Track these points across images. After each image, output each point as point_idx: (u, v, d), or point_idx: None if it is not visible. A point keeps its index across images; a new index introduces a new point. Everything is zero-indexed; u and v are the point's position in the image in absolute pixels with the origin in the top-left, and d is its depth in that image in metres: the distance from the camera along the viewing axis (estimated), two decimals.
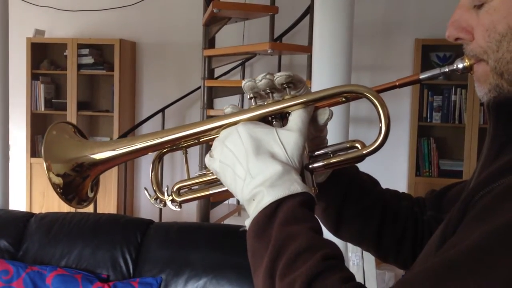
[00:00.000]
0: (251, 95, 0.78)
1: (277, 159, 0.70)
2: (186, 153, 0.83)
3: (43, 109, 4.98)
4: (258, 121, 0.75)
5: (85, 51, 4.88)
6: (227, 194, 0.78)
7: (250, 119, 0.75)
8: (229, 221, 4.11)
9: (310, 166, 0.76)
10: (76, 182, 0.82)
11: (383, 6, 4.56)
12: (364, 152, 0.75)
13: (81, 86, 4.97)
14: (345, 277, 0.60)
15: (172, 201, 0.82)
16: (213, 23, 3.73)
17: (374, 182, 0.92)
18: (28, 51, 4.89)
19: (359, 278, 2.78)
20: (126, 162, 0.92)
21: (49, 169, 0.80)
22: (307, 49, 3.47)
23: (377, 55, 4.57)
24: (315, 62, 2.84)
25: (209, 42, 3.80)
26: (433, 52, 4.33)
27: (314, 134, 0.81)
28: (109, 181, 4.81)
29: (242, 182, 0.70)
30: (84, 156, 0.82)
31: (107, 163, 0.83)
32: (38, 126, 4.98)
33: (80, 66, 4.88)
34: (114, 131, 4.85)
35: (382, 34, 4.58)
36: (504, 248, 0.51)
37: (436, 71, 0.75)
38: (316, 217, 0.69)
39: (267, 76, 0.76)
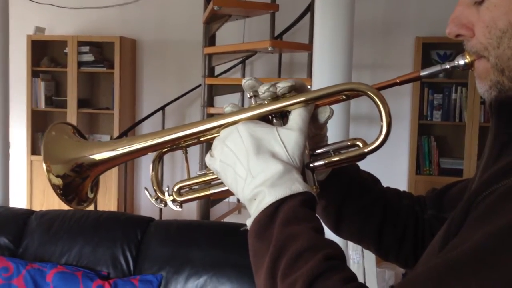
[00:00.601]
0: (251, 94, 0.78)
1: (278, 158, 0.69)
2: (186, 152, 0.83)
3: (43, 106, 4.98)
4: (258, 120, 0.75)
5: (86, 48, 4.88)
6: (228, 194, 0.78)
7: (250, 118, 0.75)
8: (229, 219, 4.11)
9: (311, 165, 0.75)
10: (76, 182, 0.82)
11: (383, 4, 4.55)
12: (366, 150, 0.75)
13: (81, 83, 4.97)
14: (347, 277, 0.60)
15: (173, 201, 0.82)
16: (213, 21, 3.72)
17: (375, 181, 0.92)
18: (29, 48, 4.89)
19: (359, 277, 2.78)
20: (126, 162, 0.92)
21: (48, 170, 0.80)
22: (308, 47, 3.46)
23: (377, 53, 4.57)
24: (316, 60, 2.84)
25: (210, 40, 3.80)
26: (434, 50, 4.32)
27: (314, 132, 0.81)
28: (110, 179, 4.82)
29: (243, 181, 0.70)
30: (83, 157, 0.82)
31: (107, 163, 0.82)
32: (38, 123, 4.98)
33: (80, 64, 4.88)
34: (114, 129, 4.85)
35: (383, 33, 4.57)
36: (506, 249, 0.51)
37: (437, 68, 0.74)
38: (318, 216, 0.69)
39: (270, 89, 0.75)
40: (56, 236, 2.44)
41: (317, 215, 0.70)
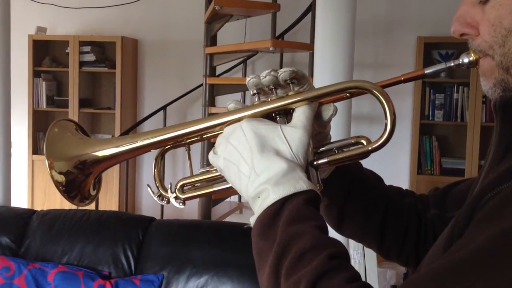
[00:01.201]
0: (255, 91, 0.77)
1: (282, 156, 0.69)
2: (189, 150, 0.82)
3: (44, 106, 4.98)
4: (262, 118, 0.75)
5: (87, 48, 4.88)
6: (231, 192, 0.78)
7: (254, 116, 0.74)
8: (230, 219, 4.11)
9: (315, 163, 0.75)
10: (78, 179, 0.82)
11: (385, 3, 4.55)
12: (370, 148, 0.74)
13: (82, 83, 4.97)
14: (351, 276, 0.59)
15: (176, 198, 0.82)
16: (214, 21, 3.72)
17: (378, 179, 0.92)
18: (30, 48, 4.89)
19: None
20: (129, 159, 0.92)
21: (51, 167, 0.80)
22: (309, 46, 3.46)
23: (379, 52, 4.56)
24: (317, 59, 2.84)
25: (211, 40, 3.80)
26: (436, 50, 4.32)
27: (317, 130, 0.80)
28: (111, 178, 4.82)
29: (246, 179, 0.70)
30: (86, 154, 0.82)
31: (110, 160, 0.82)
32: (39, 123, 4.99)
33: (82, 64, 4.88)
34: (115, 129, 4.85)
35: (384, 32, 4.57)
36: (511, 251, 0.51)
37: (441, 66, 0.74)
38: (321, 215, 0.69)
39: (271, 73, 0.75)
40: (57, 235, 2.44)
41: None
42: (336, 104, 0.79)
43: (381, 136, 0.73)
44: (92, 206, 4.52)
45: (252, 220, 0.68)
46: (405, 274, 3.83)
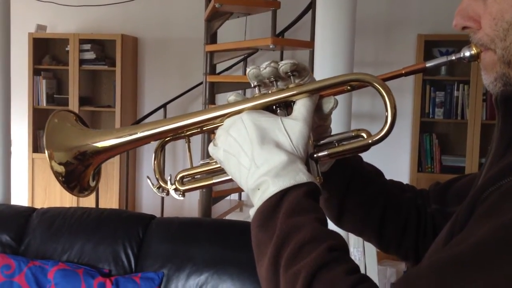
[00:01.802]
0: (255, 83, 0.76)
1: (282, 148, 0.69)
2: (189, 142, 0.82)
3: (45, 104, 4.98)
4: (262, 110, 0.74)
5: (87, 46, 4.88)
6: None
7: (254, 108, 0.74)
8: (230, 217, 4.11)
9: (315, 156, 0.75)
10: (78, 170, 0.82)
11: (385, 1, 4.54)
12: (370, 141, 0.74)
13: (83, 81, 4.97)
14: (350, 268, 0.60)
15: (175, 189, 0.82)
16: (215, 19, 3.72)
17: (378, 173, 0.91)
18: (30, 46, 4.89)
19: None
20: (129, 151, 0.91)
21: (51, 157, 0.80)
22: (309, 44, 3.46)
23: (379, 50, 4.56)
24: (317, 57, 2.83)
25: (211, 38, 3.80)
26: (436, 47, 4.32)
27: (317, 123, 0.80)
28: (111, 176, 4.82)
29: (246, 171, 0.69)
30: (86, 145, 0.82)
31: (110, 151, 0.82)
32: (40, 121, 4.99)
33: (82, 62, 4.88)
34: (115, 127, 4.85)
35: (385, 30, 4.57)
36: (511, 245, 0.51)
37: (443, 59, 0.74)
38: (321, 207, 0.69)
39: (272, 64, 0.75)
40: (57, 233, 2.44)
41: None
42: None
43: (382, 129, 0.72)
44: (92, 204, 4.53)
45: (251, 212, 0.68)
46: (405, 272, 3.84)
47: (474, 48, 0.68)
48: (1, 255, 2.35)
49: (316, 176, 0.73)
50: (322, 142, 0.78)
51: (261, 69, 0.75)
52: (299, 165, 0.68)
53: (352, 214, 0.89)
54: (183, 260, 2.28)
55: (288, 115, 0.74)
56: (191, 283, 2.23)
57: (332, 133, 0.82)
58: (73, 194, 0.82)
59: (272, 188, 0.66)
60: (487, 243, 0.52)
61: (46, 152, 0.80)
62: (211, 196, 3.62)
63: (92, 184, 0.84)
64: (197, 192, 3.73)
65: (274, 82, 0.76)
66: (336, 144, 0.77)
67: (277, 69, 0.75)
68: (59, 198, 4.90)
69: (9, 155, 3.35)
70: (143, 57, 5.09)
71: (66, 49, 4.92)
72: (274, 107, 0.75)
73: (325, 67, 2.79)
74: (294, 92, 0.74)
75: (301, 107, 0.73)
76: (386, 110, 0.72)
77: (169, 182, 0.82)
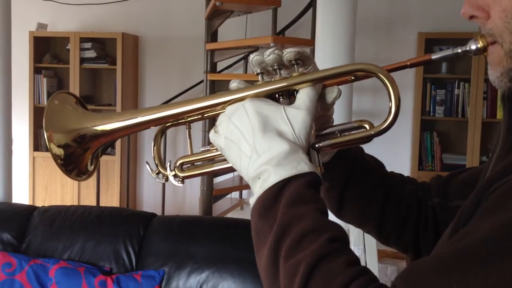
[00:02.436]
0: (258, 70, 0.75)
1: (284, 137, 0.68)
2: (189, 128, 0.81)
3: (45, 103, 4.96)
4: (265, 98, 0.73)
5: (88, 45, 4.89)
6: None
7: (256, 95, 0.73)
8: (231, 215, 4.12)
9: (317, 145, 0.74)
10: (77, 153, 0.81)
11: None
12: (373, 132, 0.73)
13: (83, 80, 4.98)
14: (351, 260, 0.59)
15: (175, 176, 0.81)
16: (215, 17, 3.72)
17: (379, 165, 0.91)
18: (31, 45, 4.89)
19: None
20: (129, 135, 0.91)
21: (50, 139, 0.79)
22: (310, 42, 3.46)
23: (380, 48, 4.56)
24: (318, 55, 2.83)
25: (212, 36, 3.80)
26: (436, 45, 4.31)
27: (320, 112, 0.79)
28: (112, 175, 4.82)
29: (247, 159, 0.69)
30: (86, 128, 0.81)
31: (109, 135, 0.81)
32: (40, 120, 4.92)
33: (82, 60, 4.89)
34: None
35: (385, 28, 4.56)
36: None
37: (448, 52, 0.72)
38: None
39: (276, 51, 0.74)
40: (58, 231, 2.45)
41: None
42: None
43: (385, 120, 0.71)
44: (93, 202, 4.53)
45: (251, 201, 0.67)
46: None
47: (480, 42, 0.67)
48: (2, 253, 2.35)
49: (317, 166, 0.72)
50: (324, 132, 0.78)
51: (265, 56, 0.74)
52: (301, 154, 0.67)
53: (353, 205, 0.89)
54: (184, 258, 2.28)
55: (291, 104, 0.72)
56: (192, 281, 2.23)
57: (334, 124, 0.81)
58: (70, 177, 0.81)
59: (274, 177, 0.65)
60: (492, 238, 0.52)
61: (45, 134, 0.79)
62: (212, 194, 3.62)
63: (90, 168, 0.83)
64: (198, 190, 3.74)
65: (277, 70, 0.75)
66: (338, 135, 0.76)
67: (280, 56, 0.74)
68: (60, 196, 4.91)
69: (10, 154, 3.35)
70: (144, 56, 5.09)
71: (67, 47, 4.93)
72: (277, 95, 0.74)
73: (326, 65, 2.76)
74: (298, 80, 0.73)
75: (304, 96, 0.72)
76: (390, 101, 0.71)
77: (168, 168, 0.81)
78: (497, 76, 0.66)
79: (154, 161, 0.83)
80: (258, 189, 0.67)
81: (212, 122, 0.80)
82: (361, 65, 0.73)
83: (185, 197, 4.95)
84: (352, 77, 0.76)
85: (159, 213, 2.69)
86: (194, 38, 4.70)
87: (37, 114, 4.98)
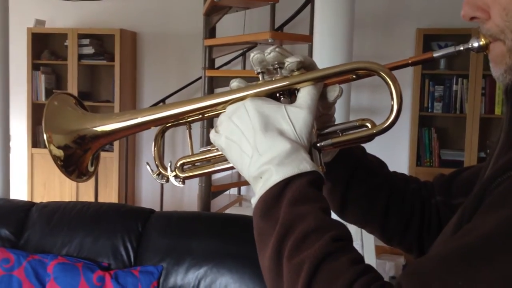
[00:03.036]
0: (259, 69, 0.75)
1: (285, 136, 0.68)
2: (190, 128, 0.81)
3: (43, 99, 4.98)
4: (266, 97, 0.73)
5: (86, 41, 4.88)
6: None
7: (257, 95, 0.73)
8: (230, 211, 4.12)
9: (318, 145, 0.73)
10: (77, 154, 0.80)
11: None
12: (375, 131, 0.72)
13: (81, 76, 4.97)
14: (354, 258, 0.59)
15: (176, 176, 0.81)
16: (213, 13, 3.71)
17: (381, 164, 0.90)
18: (29, 41, 4.88)
19: None
20: (128, 136, 0.90)
21: (49, 141, 0.78)
22: (308, 38, 3.46)
23: (378, 45, 4.56)
24: (316, 51, 2.83)
25: (210, 32, 3.79)
26: (435, 41, 4.31)
27: (322, 111, 0.79)
28: (110, 171, 4.82)
29: (249, 159, 0.68)
30: (86, 129, 0.80)
31: (110, 136, 0.81)
32: (39, 116, 4.98)
33: (80, 56, 4.88)
34: None
35: (384, 24, 4.56)
36: None
37: (450, 50, 0.72)
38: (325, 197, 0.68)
39: (277, 49, 0.73)
40: (56, 227, 2.45)
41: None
42: None
43: (387, 119, 0.71)
44: (91, 198, 4.53)
45: (253, 201, 0.67)
46: (403, 266, 3.85)
47: (482, 39, 0.67)
48: (1, 249, 2.36)
49: (319, 166, 0.72)
50: (325, 131, 0.77)
51: (266, 54, 0.74)
52: (303, 153, 0.67)
53: (356, 205, 0.88)
54: (182, 253, 2.28)
55: (292, 103, 0.72)
56: (190, 277, 2.24)
57: (336, 123, 0.81)
58: (71, 178, 0.81)
59: (276, 176, 0.65)
60: (495, 234, 0.52)
61: (44, 135, 0.78)
62: (210, 191, 3.62)
63: (91, 169, 0.83)
64: (196, 186, 3.74)
65: (278, 69, 0.74)
66: (340, 134, 0.76)
67: (281, 54, 0.74)
68: (59, 193, 4.91)
69: (8, 150, 3.35)
70: (142, 52, 5.08)
71: (65, 44, 4.92)
72: (277, 94, 0.73)
73: (324, 61, 2.79)
74: (299, 79, 0.72)
75: (306, 95, 0.71)
76: (392, 99, 0.70)
77: (169, 169, 0.81)
78: (501, 73, 0.65)
79: (155, 161, 0.82)
80: (259, 188, 0.66)
81: (211, 119, 0.79)
82: (363, 64, 0.72)
83: (183, 194, 4.95)
84: (354, 76, 0.75)
85: (157, 209, 2.69)
86: (192, 34, 4.69)
87: (35, 110, 4.97)
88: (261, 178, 0.67)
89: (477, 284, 0.50)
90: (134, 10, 5.00)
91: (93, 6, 5.03)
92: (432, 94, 4.40)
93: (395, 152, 4.44)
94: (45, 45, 5.10)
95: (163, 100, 4.64)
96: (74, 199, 4.79)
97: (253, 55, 0.75)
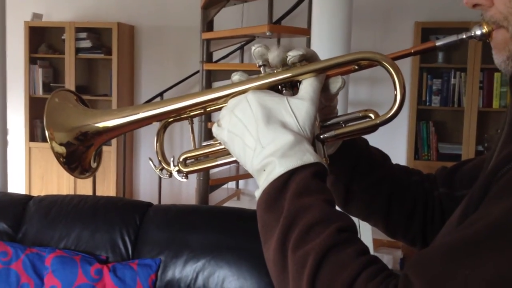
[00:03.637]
0: (260, 62, 0.74)
1: (288, 128, 0.67)
2: (192, 123, 0.80)
3: (41, 93, 4.97)
4: (267, 90, 0.73)
5: (83, 35, 4.86)
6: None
7: (259, 88, 0.72)
8: (228, 205, 4.12)
9: (322, 136, 0.73)
10: (79, 151, 0.80)
11: None
12: (378, 121, 0.72)
13: (79, 70, 4.96)
14: (360, 249, 0.59)
15: (179, 171, 0.80)
16: (211, 6, 3.70)
17: (384, 157, 0.90)
18: (26, 35, 4.87)
19: None
20: (132, 131, 0.90)
21: (51, 138, 0.78)
22: (306, 31, 3.45)
23: (376, 38, 4.55)
24: (314, 45, 2.83)
25: (208, 25, 3.78)
26: (433, 35, 4.30)
27: (324, 103, 0.78)
28: (108, 165, 4.82)
29: (251, 152, 0.68)
30: (87, 125, 0.80)
31: (112, 132, 0.80)
32: (36, 110, 4.97)
33: (78, 50, 4.87)
34: None
35: (382, 17, 4.55)
36: None
37: (453, 38, 0.71)
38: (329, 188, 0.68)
39: (281, 53, 0.73)
40: (54, 221, 2.45)
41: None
42: None
43: (391, 109, 0.71)
44: (89, 192, 4.53)
45: (257, 194, 0.67)
46: (401, 259, 3.85)
47: (485, 27, 0.67)
48: None
49: (323, 157, 0.72)
50: (328, 123, 0.77)
51: (270, 60, 0.74)
52: (306, 145, 0.67)
53: (359, 198, 0.88)
54: (180, 246, 2.29)
55: (294, 95, 0.72)
56: (188, 270, 2.24)
57: (338, 114, 0.80)
58: (73, 175, 0.81)
59: (279, 168, 0.65)
60: (501, 223, 0.51)
61: (46, 132, 0.78)
62: (208, 184, 3.62)
63: (93, 165, 0.83)
64: (195, 180, 3.74)
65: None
66: (343, 125, 0.76)
67: (285, 59, 0.73)
68: (56, 186, 4.90)
69: (5, 144, 3.35)
70: (140, 46, 5.07)
71: (62, 37, 4.90)
72: (279, 87, 0.73)
73: (322, 55, 2.77)
74: (300, 71, 0.72)
75: (308, 86, 0.71)
76: (395, 89, 0.70)
77: (171, 164, 0.81)
78: (503, 60, 0.65)
79: (157, 157, 0.82)
80: (263, 181, 0.66)
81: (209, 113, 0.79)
82: (366, 54, 0.72)
83: (181, 187, 4.95)
84: (356, 67, 0.75)
85: (155, 202, 2.69)
86: (190, 27, 4.68)
87: (33, 104, 4.96)
88: (264, 170, 0.66)
89: (485, 273, 0.50)
90: (132, 4, 4.99)
91: None
92: (430, 88, 4.40)
93: (393, 145, 4.44)
94: (42, 39, 5.08)
95: (161, 94, 4.63)
96: (72, 193, 4.79)
97: (255, 48, 0.75)
